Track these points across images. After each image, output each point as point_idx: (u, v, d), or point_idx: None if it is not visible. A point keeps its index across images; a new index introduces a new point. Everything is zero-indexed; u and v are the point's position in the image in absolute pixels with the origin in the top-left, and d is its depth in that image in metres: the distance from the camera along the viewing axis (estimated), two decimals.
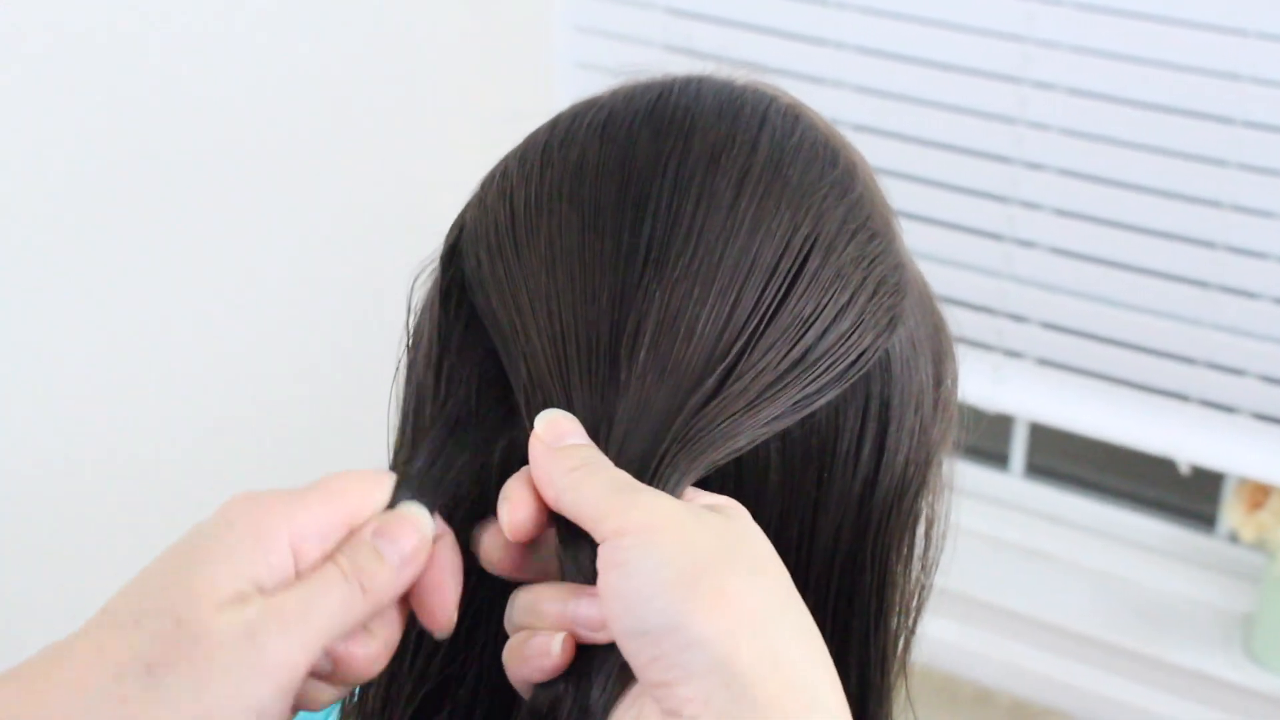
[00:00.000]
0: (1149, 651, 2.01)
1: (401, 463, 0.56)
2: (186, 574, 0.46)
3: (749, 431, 0.50)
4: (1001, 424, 2.19)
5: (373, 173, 1.94)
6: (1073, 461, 2.26)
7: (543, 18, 2.11)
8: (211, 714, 0.44)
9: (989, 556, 2.16)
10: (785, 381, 0.51)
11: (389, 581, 0.48)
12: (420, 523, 0.50)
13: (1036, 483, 2.20)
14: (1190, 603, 2.07)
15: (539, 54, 2.11)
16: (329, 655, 0.49)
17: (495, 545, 0.51)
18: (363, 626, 0.49)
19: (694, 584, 0.44)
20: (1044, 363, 2.02)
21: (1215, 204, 1.84)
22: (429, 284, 0.57)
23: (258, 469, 1.80)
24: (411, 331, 0.58)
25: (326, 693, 0.51)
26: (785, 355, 0.51)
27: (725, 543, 0.46)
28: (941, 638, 2.12)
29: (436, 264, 0.57)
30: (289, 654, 0.46)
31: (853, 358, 0.52)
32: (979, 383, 2.04)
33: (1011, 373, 2.04)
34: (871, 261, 0.54)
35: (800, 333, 0.51)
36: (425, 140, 1.97)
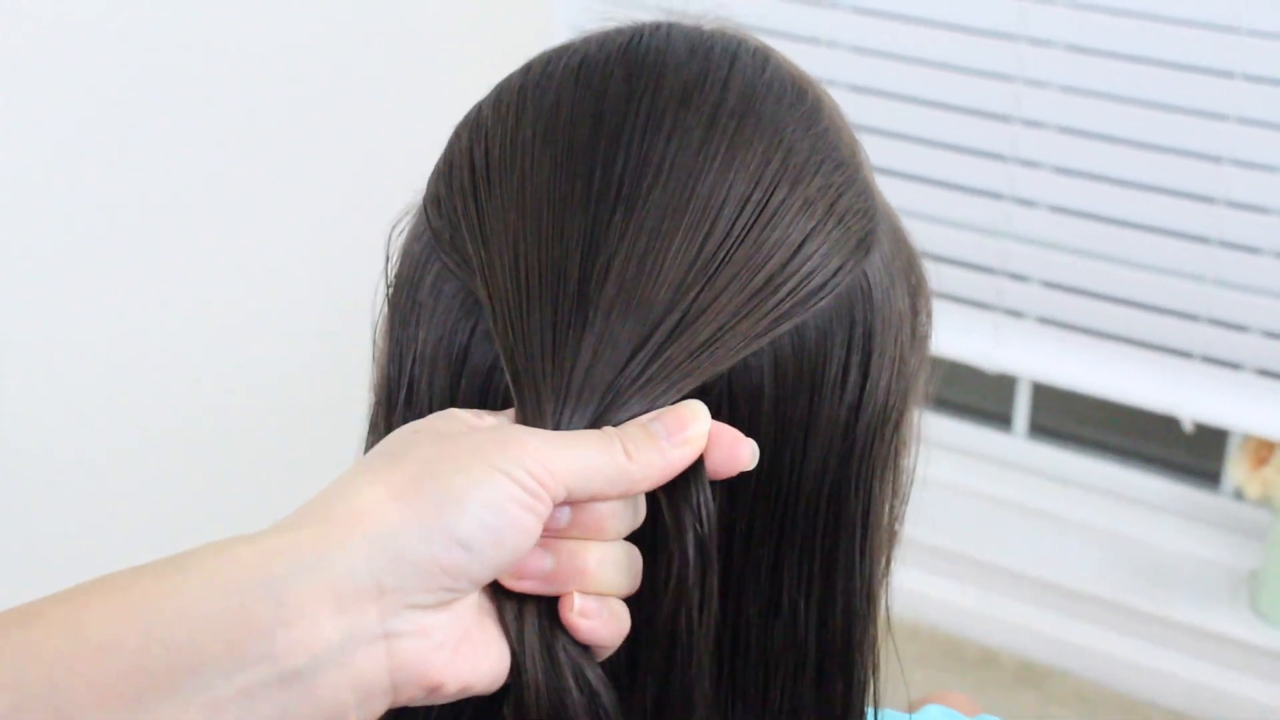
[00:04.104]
0: (1155, 610, 2.01)
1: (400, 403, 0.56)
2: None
3: (710, 366, 0.52)
4: (1004, 384, 2.18)
5: (367, 136, 1.92)
6: (1076, 421, 2.26)
7: None
8: (455, 495, 0.45)
9: (993, 517, 2.16)
10: (748, 309, 0.52)
11: (656, 458, 0.48)
12: (699, 413, 0.50)
13: (1040, 443, 2.20)
14: (1196, 560, 2.07)
15: (536, 17, 2.09)
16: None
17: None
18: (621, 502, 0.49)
19: None
20: (1045, 322, 2.01)
21: (1215, 159, 1.82)
22: (407, 232, 0.58)
23: (254, 460, 1.80)
24: (392, 278, 0.59)
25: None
26: (747, 285, 0.52)
27: None
28: (946, 599, 2.12)
29: (413, 213, 0.58)
30: (530, 458, 0.46)
31: (819, 281, 0.53)
32: (980, 343, 2.03)
33: (1013, 332, 2.03)
34: (838, 190, 0.55)
35: (764, 260, 0.52)
36: (419, 109, 1.96)
